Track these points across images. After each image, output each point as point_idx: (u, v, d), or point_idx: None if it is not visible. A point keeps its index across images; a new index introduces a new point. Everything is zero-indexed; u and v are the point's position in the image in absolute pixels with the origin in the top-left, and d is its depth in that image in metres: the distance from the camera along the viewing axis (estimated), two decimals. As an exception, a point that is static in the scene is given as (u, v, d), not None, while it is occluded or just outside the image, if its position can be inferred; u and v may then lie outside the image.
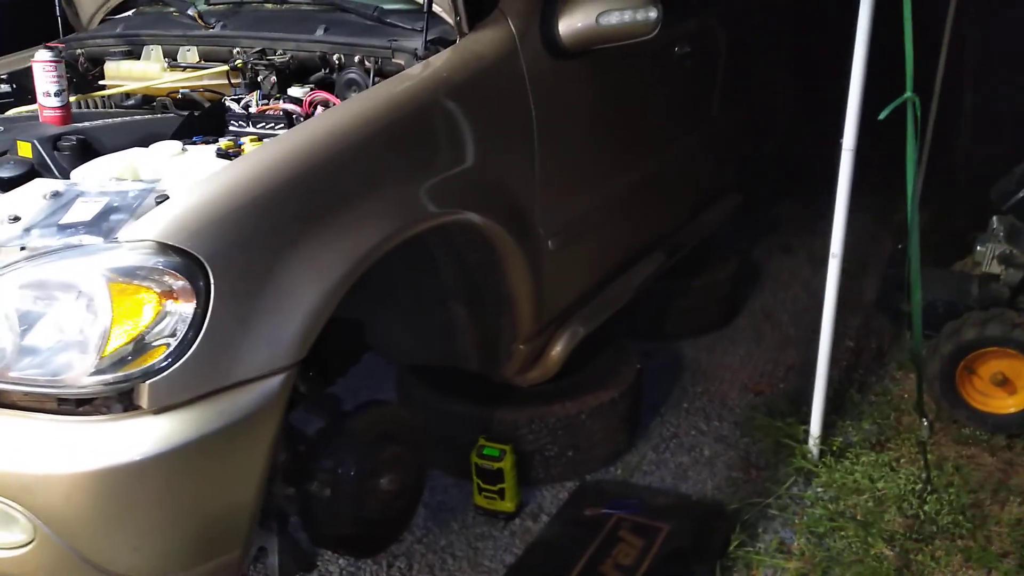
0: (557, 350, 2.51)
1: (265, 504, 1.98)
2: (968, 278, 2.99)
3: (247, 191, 1.60)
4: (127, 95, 2.35)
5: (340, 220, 1.70)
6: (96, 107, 2.32)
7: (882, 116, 2.24)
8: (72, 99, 2.14)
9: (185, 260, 1.49)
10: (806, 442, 2.63)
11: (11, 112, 2.17)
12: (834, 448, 2.61)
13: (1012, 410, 2.67)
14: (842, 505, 2.41)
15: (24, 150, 1.82)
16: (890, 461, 2.58)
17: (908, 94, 2.22)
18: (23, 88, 2.26)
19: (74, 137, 1.84)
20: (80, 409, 1.49)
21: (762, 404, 2.96)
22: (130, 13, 2.66)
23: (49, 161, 1.79)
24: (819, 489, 2.49)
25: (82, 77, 2.43)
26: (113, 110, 2.25)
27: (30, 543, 1.45)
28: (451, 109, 2.03)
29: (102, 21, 2.68)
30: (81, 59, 2.48)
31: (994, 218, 3.01)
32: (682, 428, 2.87)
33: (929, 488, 2.42)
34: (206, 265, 1.50)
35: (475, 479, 2.44)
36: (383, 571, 2.28)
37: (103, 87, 2.33)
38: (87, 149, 1.86)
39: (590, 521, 2.36)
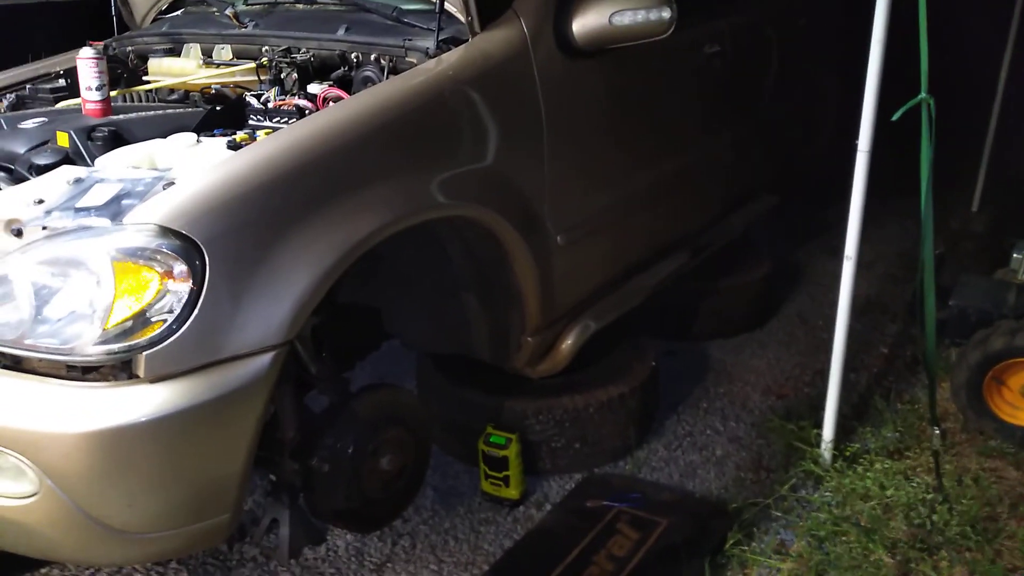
0: (567, 343, 2.56)
1: (277, 478, 2.12)
2: (1006, 286, 2.90)
3: (245, 180, 1.71)
4: (171, 90, 2.52)
5: (334, 210, 1.80)
6: (141, 101, 2.49)
7: (895, 117, 2.23)
8: (114, 93, 2.32)
9: (184, 243, 1.61)
10: (819, 446, 2.60)
11: (60, 104, 2.36)
12: (847, 453, 2.58)
13: (1041, 424, 2.58)
14: (848, 510, 2.38)
15: (62, 139, 1.99)
16: (905, 470, 2.53)
17: (923, 95, 2.20)
18: (76, 83, 2.45)
19: (106, 129, 2.00)
20: (86, 376, 1.63)
21: (782, 407, 2.94)
22: (178, 13, 2.84)
23: (82, 150, 1.95)
24: (827, 493, 2.47)
25: (132, 72, 2.61)
26: (152, 104, 2.42)
27: (36, 494, 1.60)
28: (457, 105, 2.11)
29: (154, 20, 2.88)
30: (131, 56, 2.67)
31: (1037, 225, 2.91)
32: (697, 427, 2.87)
33: (941, 498, 2.37)
34: (203, 248, 1.62)
35: (482, 465, 2.51)
36: (387, 548, 2.38)
37: (147, 82, 2.51)
38: (118, 140, 2.02)
39: (591, 512, 2.41)
